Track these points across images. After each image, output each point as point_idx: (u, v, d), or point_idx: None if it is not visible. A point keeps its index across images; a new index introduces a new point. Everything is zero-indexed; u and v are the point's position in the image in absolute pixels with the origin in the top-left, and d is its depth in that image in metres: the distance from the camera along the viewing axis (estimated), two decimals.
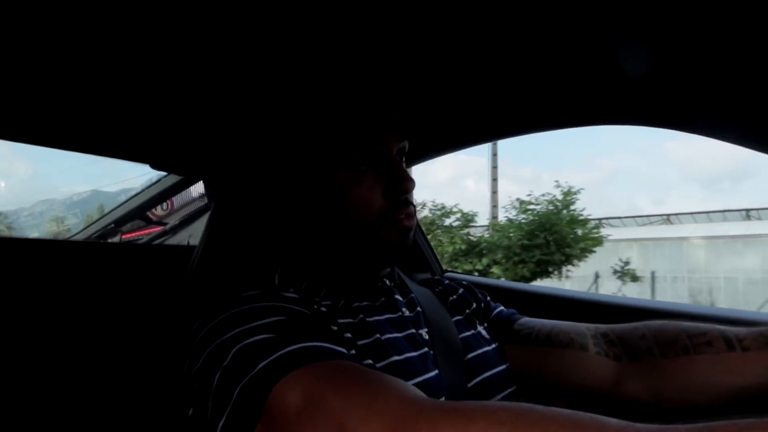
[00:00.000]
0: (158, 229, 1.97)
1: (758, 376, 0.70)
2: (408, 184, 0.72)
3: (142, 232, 2.10)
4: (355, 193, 0.71)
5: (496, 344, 0.87)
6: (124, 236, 2.14)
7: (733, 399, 0.73)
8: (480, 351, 0.81)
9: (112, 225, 2.06)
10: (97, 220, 2.15)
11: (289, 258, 0.81)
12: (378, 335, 0.69)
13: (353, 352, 0.63)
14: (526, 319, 0.91)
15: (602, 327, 0.85)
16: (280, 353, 0.53)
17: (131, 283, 1.13)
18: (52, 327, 1.01)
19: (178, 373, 0.73)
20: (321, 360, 0.53)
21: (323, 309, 0.67)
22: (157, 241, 1.93)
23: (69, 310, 1.05)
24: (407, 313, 0.79)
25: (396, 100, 0.79)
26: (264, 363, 0.52)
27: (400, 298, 0.81)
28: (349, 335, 0.66)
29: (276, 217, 0.95)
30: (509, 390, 0.80)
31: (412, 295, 0.84)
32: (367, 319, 0.71)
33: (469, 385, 0.75)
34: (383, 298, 0.78)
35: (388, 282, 0.81)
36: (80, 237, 2.17)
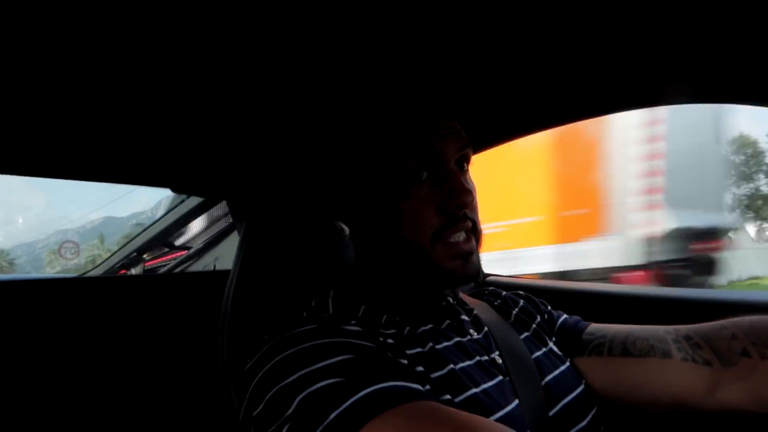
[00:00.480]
0: (182, 254, 1.93)
1: None
2: (465, 197, 0.64)
3: (165, 258, 2.06)
4: (407, 207, 0.64)
5: (569, 360, 0.78)
6: (147, 264, 2.11)
7: None
8: (557, 372, 0.73)
9: (135, 254, 2.03)
10: (118, 251, 2.12)
11: (340, 281, 0.75)
12: (452, 365, 0.62)
13: (428, 387, 0.56)
14: (594, 326, 0.83)
15: (682, 329, 0.76)
16: (353, 400, 0.47)
17: (165, 316, 1.08)
18: (94, 364, 0.97)
19: (217, 406, 0.68)
20: (399, 403, 0.47)
21: (390, 341, 0.60)
22: (181, 267, 1.89)
23: (103, 346, 1.01)
24: (475, 335, 0.71)
25: (452, 102, 0.71)
26: (336, 413, 0.46)
27: (466, 318, 0.73)
28: (421, 368, 0.59)
29: (322, 236, 0.90)
30: (592, 412, 0.72)
31: (475, 312, 0.76)
32: (437, 346, 0.64)
33: (551, 413, 0.67)
34: (448, 320, 0.71)
35: (451, 300, 0.73)
36: (103, 268, 2.14)
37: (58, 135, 0.92)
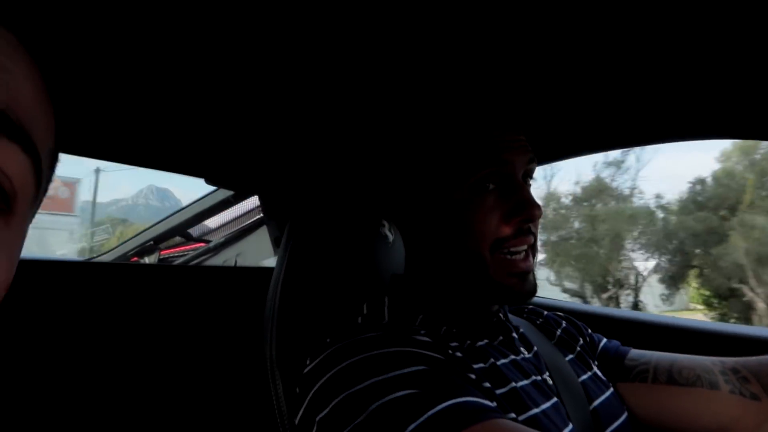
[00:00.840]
0: (199, 245, 1.90)
1: None
2: (534, 210, 0.63)
3: (181, 249, 2.03)
4: (472, 215, 0.63)
5: (612, 386, 0.76)
6: (162, 252, 2.09)
7: None
8: (603, 397, 0.71)
9: (151, 242, 2.01)
10: (133, 237, 2.09)
11: (393, 288, 0.73)
12: (513, 383, 0.60)
13: (494, 404, 0.54)
14: (636, 352, 0.81)
15: (728, 361, 0.75)
16: (430, 413, 0.45)
17: (187, 308, 1.06)
18: (103, 356, 0.95)
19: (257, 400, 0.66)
20: (476, 421, 0.45)
21: (458, 354, 0.58)
22: (198, 260, 1.86)
23: (114, 336, 0.99)
24: (526, 353, 0.70)
25: (522, 115, 0.70)
26: (414, 426, 0.44)
27: (515, 335, 0.71)
28: (487, 384, 0.57)
29: (367, 241, 0.88)
30: None
31: (522, 330, 0.74)
32: (497, 363, 0.62)
33: None
34: (501, 336, 0.69)
35: (501, 316, 0.71)
36: (116, 253, 2.11)
37: (103, 116, 0.91)
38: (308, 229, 0.85)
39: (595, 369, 0.77)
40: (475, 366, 0.59)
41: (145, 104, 0.87)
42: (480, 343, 0.65)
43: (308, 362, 0.59)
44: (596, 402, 0.70)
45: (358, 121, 0.93)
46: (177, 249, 2.10)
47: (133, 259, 2.16)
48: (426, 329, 0.61)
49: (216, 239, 1.81)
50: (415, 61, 0.73)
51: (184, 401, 1.04)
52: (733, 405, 0.70)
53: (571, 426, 0.61)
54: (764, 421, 0.69)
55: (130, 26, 0.62)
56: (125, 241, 2.10)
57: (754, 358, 0.74)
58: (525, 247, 0.65)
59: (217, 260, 1.78)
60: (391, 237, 0.91)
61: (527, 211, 0.63)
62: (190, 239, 1.98)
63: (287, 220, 1.13)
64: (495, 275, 0.64)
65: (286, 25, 0.64)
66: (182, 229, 1.88)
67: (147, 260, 2.08)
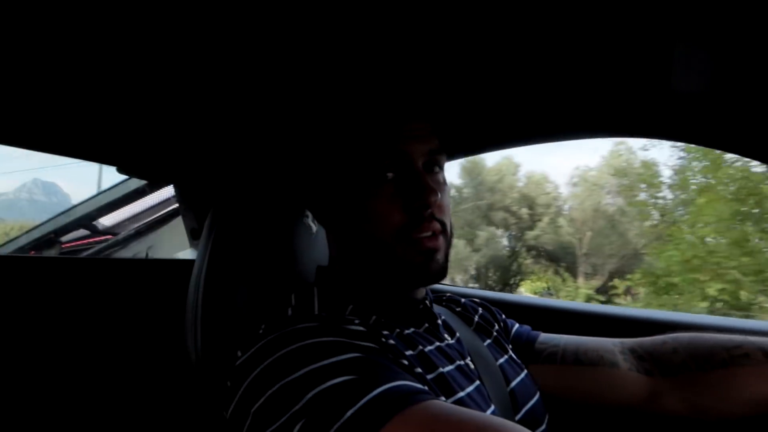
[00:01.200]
0: (106, 238, 1.81)
1: None
2: (430, 197, 0.64)
3: (85, 242, 1.92)
4: (374, 205, 0.65)
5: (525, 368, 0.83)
6: (64, 246, 1.96)
7: None
8: (519, 379, 0.77)
9: (51, 235, 1.88)
10: (31, 230, 1.94)
11: (320, 278, 0.74)
12: (441, 369, 0.63)
13: (426, 388, 0.57)
14: (545, 336, 0.88)
15: (628, 342, 0.84)
16: (367, 399, 0.46)
17: (112, 301, 1.02)
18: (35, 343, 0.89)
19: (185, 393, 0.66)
20: (415, 402, 0.47)
21: (391, 341, 0.60)
22: (105, 253, 1.77)
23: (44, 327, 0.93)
24: (450, 340, 0.74)
25: (424, 103, 0.73)
26: (352, 411, 0.46)
27: (439, 323, 0.75)
28: (419, 370, 0.60)
29: (289, 231, 0.89)
30: (547, 417, 0.77)
31: (444, 317, 0.78)
32: (425, 349, 0.66)
33: (516, 418, 0.71)
34: (427, 324, 0.73)
35: (428, 303, 0.75)
36: (11, 247, 1.96)
37: (11, 101, 0.85)
38: (231, 220, 0.84)
39: (510, 352, 0.82)
40: (407, 353, 0.62)
41: (53, 85, 0.83)
42: (408, 331, 0.68)
43: (240, 354, 0.59)
44: (513, 383, 0.75)
45: (274, 110, 0.93)
46: (81, 242, 1.98)
47: (31, 253, 2.01)
48: (358, 319, 0.63)
49: (125, 231, 1.73)
50: (321, 55, 0.76)
51: (97, 400, 1.00)
52: (630, 381, 0.79)
53: (493, 407, 0.66)
54: (658, 394, 0.78)
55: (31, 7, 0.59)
56: (22, 234, 1.95)
57: (648, 338, 0.83)
58: (430, 233, 0.66)
59: (126, 253, 1.70)
60: (314, 227, 0.92)
61: (423, 197, 0.64)
62: (95, 232, 1.87)
63: (206, 211, 1.11)
64: (403, 256, 0.65)
65: (199, 12, 0.64)
66: (87, 221, 1.78)
67: (45, 254, 1.95)
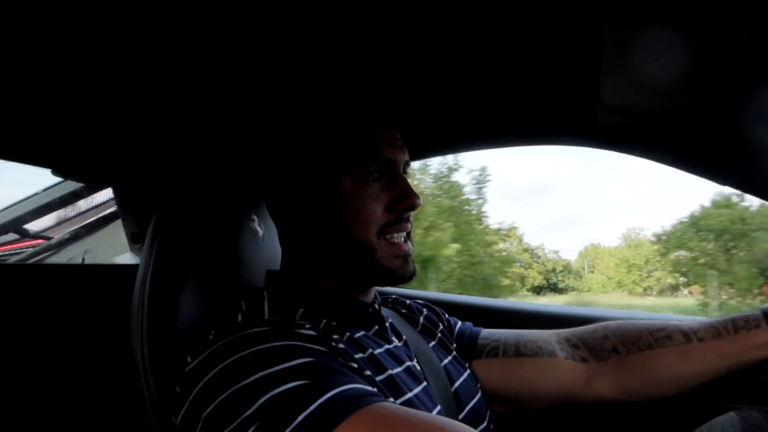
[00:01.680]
0: (38, 242, 1.71)
1: (714, 363, 0.79)
2: (415, 200, 0.70)
3: (15, 246, 1.81)
4: (360, 203, 0.69)
5: (468, 365, 0.86)
6: None
7: (693, 386, 0.81)
8: (462, 379, 0.80)
9: None
10: None
11: (275, 282, 0.74)
12: (390, 371, 0.66)
13: (375, 390, 0.59)
14: (487, 332, 0.92)
15: (563, 332, 0.89)
16: (320, 402, 0.48)
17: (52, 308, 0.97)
18: None
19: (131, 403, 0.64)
20: (365, 405, 0.49)
21: (341, 345, 0.62)
22: (37, 258, 1.68)
23: None
24: (397, 342, 0.76)
25: (397, 110, 0.76)
26: (304, 415, 0.47)
27: (388, 325, 0.77)
28: (368, 372, 0.62)
29: (236, 236, 0.88)
30: (488, 415, 0.80)
31: (391, 320, 0.80)
32: (374, 352, 0.68)
33: (460, 417, 0.74)
34: (376, 327, 0.74)
35: (377, 307, 0.77)
36: None
37: None
38: (176, 224, 0.83)
39: (454, 352, 0.86)
40: (356, 356, 0.63)
41: None
42: (357, 334, 0.70)
43: (189, 360, 0.59)
44: (456, 383, 0.78)
45: (229, 113, 0.92)
46: (8, 246, 1.86)
47: None
48: (308, 322, 0.64)
49: (59, 236, 1.65)
50: (304, 60, 0.77)
51: (38, 415, 0.95)
52: (568, 369, 0.84)
53: (438, 407, 0.68)
54: (592, 379, 0.84)
55: None
56: None
57: (581, 328, 0.90)
58: (404, 233, 0.72)
59: (60, 258, 1.62)
60: (261, 232, 0.91)
61: (409, 200, 0.70)
62: (26, 236, 1.77)
63: (147, 215, 1.08)
64: (382, 259, 0.70)
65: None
66: (17, 225, 1.68)
67: None
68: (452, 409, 0.73)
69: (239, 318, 0.68)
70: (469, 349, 0.89)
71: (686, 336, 0.81)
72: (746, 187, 0.87)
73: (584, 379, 0.84)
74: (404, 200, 0.70)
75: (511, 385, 0.86)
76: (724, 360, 0.79)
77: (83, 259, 1.56)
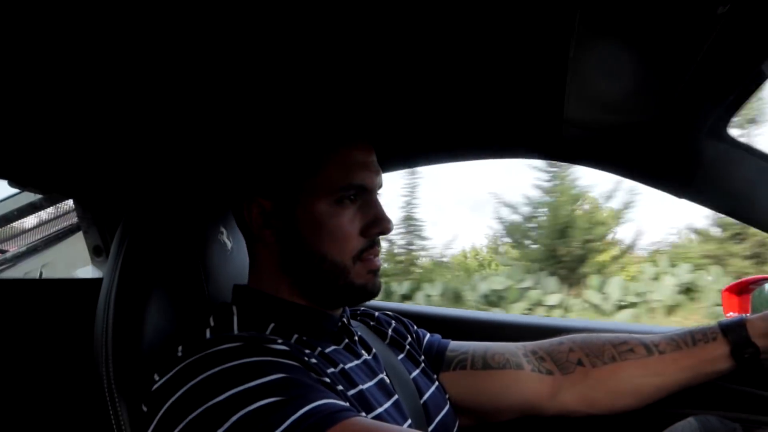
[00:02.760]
0: None
1: (675, 375, 0.81)
2: (388, 225, 0.71)
3: None
4: (335, 226, 0.69)
5: (436, 377, 0.86)
6: None
7: (656, 399, 0.83)
8: (430, 391, 0.80)
9: None
10: None
11: (244, 297, 0.73)
12: (360, 386, 0.66)
13: (348, 405, 0.59)
14: (455, 344, 0.93)
15: (529, 345, 0.91)
16: (293, 418, 0.48)
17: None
18: None
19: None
20: (337, 421, 0.49)
21: (313, 360, 0.61)
22: None
23: None
24: (367, 356, 0.75)
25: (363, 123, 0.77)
26: (279, 430, 0.47)
27: (357, 339, 0.77)
28: (340, 387, 0.61)
29: (202, 248, 0.86)
30: (456, 426, 0.81)
31: (360, 333, 0.80)
32: (345, 367, 0.67)
33: (429, 429, 0.74)
34: (346, 340, 0.74)
35: (345, 321, 0.77)
36: None
37: None
38: (141, 237, 0.81)
39: (423, 364, 0.86)
40: (328, 371, 0.63)
41: None
42: (328, 349, 0.69)
43: (157, 378, 0.57)
44: (425, 396, 0.78)
45: (199, 123, 0.91)
46: None
47: None
48: (279, 337, 0.63)
49: (15, 249, 1.59)
50: (278, 76, 0.77)
51: None
52: (534, 381, 0.86)
53: (409, 421, 0.69)
54: (557, 392, 0.86)
55: None
56: None
57: (546, 341, 0.91)
58: (377, 255, 0.73)
59: (15, 272, 1.56)
60: (229, 245, 0.90)
61: (382, 225, 0.71)
62: None
63: (110, 227, 1.05)
64: (354, 278, 0.70)
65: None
66: None
67: None
68: (422, 422, 0.73)
69: (208, 334, 0.67)
70: (438, 361, 0.89)
71: (648, 349, 0.83)
72: (701, 200, 0.91)
73: (550, 391, 0.85)
74: (378, 225, 0.71)
75: (479, 397, 0.86)
76: (684, 372, 0.81)
77: (41, 273, 1.50)
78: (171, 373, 0.55)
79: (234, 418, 0.48)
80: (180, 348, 0.62)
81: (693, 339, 0.82)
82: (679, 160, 0.88)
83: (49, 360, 0.98)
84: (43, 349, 0.98)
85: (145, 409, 0.57)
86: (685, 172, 0.88)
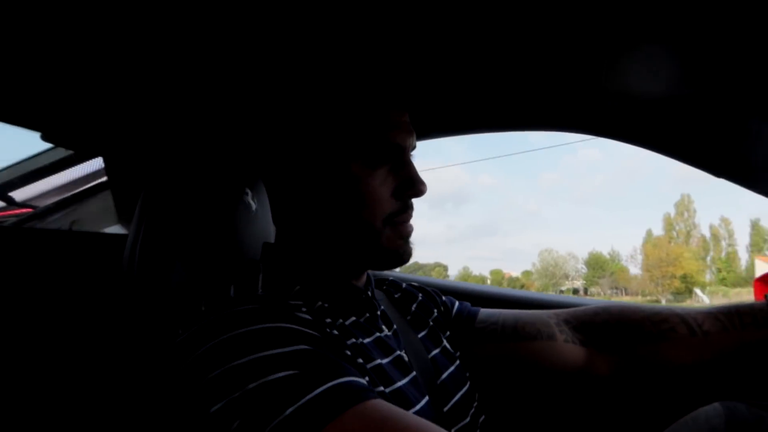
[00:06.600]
0: (23, 211, 1.68)
1: (717, 354, 0.79)
2: (421, 187, 0.69)
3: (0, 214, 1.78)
4: (367, 188, 0.67)
5: (459, 356, 0.84)
6: None
7: (696, 374, 0.82)
8: (448, 372, 0.79)
9: None
10: None
11: (271, 256, 0.73)
12: (379, 360, 0.65)
13: (367, 378, 0.58)
14: (485, 312, 0.91)
15: (562, 313, 0.89)
16: (310, 396, 0.47)
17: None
18: None
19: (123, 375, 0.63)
20: (356, 403, 0.48)
21: (335, 332, 0.61)
22: (25, 226, 1.65)
23: None
24: (386, 331, 0.74)
25: (406, 93, 0.75)
26: (293, 408, 0.46)
27: (379, 313, 0.76)
28: (360, 360, 0.60)
29: (229, 209, 0.86)
30: (473, 407, 0.79)
31: (382, 307, 0.78)
32: (364, 341, 0.66)
33: (444, 409, 0.73)
34: (368, 314, 0.73)
35: (370, 293, 0.75)
36: None
37: None
38: (166, 196, 0.81)
39: (445, 342, 0.84)
40: (348, 342, 0.62)
41: None
42: (348, 321, 0.68)
43: (180, 332, 0.58)
44: (444, 375, 0.77)
45: (231, 87, 0.90)
46: None
47: None
48: (303, 302, 0.62)
49: (45, 204, 1.62)
50: (317, 39, 0.75)
51: (22, 379, 0.93)
52: (567, 352, 0.84)
53: (426, 399, 0.67)
54: (591, 362, 0.84)
55: None
56: None
57: (580, 309, 0.89)
58: (409, 216, 0.71)
59: (46, 227, 1.60)
60: (254, 206, 0.90)
61: (416, 187, 0.69)
62: (12, 203, 1.74)
63: (137, 186, 1.06)
64: (386, 242, 0.68)
65: None
66: (3, 192, 1.65)
67: None
68: (438, 402, 0.72)
69: (231, 291, 0.66)
70: (467, 330, 0.87)
71: (690, 328, 0.80)
72: (741, 180, 0.86)
73: (583, 363, 0.83)
74: (411, 187, 0.69)
75: (508, 366, 0.85)
76: (728, 352, 0.78)
77: (71, 227, 1.53)
78: (193, 330, 0.55)
79: (252, 385, 0.47)
80: (203, 304, 0.61)
81: (741, 321, 0.79)
82: (721, 137, 0.84)
83: (76, 306, 1.00)
84: (67, 298, 1.00)
85: (167, 361, 0.58)
86: (726, 150, 0.84)
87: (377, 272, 1.37)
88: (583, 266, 44.69)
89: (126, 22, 0.74)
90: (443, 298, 0.93)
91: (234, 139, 1.02)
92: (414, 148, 0.74)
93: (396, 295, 0.88)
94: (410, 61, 0.85)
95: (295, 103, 0.71)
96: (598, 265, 42.28)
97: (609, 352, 0.83)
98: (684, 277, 37.18)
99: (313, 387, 0.47)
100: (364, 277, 0.76)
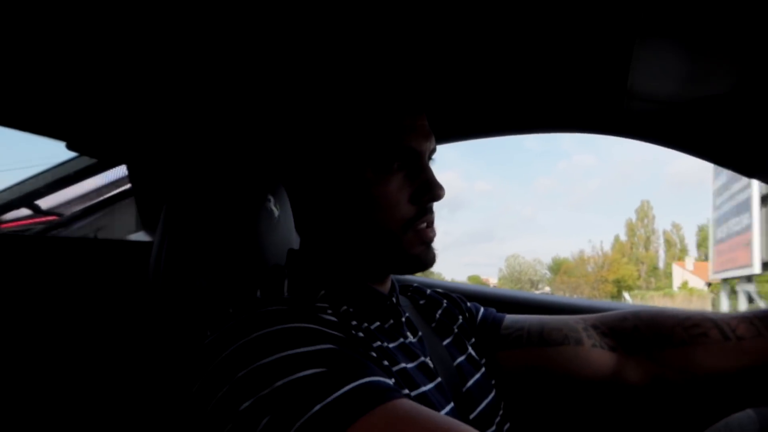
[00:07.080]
0: (49, 219, 1.71)
1: (752, 360, 0.76)
2: (439, 191, 0.68)
3: (27, 222, 1.81)
4: (383, 193, 0.66)
5: (484, 363, 0.84)
6: (2, 226, 1.84)
7: (728, 379, 0.78)
8: (474, 379, 0.78)
9: None
10: None
11: (296, 262, 0.73)
12: (403, 365, 0.64)
13: (393, 380, 0.57)
14: (510, 318, 0.90)
15: (590, 318, 0.87)
16: (337, 394, 0.46)
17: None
18: None
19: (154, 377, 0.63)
20: (383, 401, 0.47)
21: (360, 334, 0.60)
22: (50, 234, 1.68)
23: None
24: (411, 338, 0.74)
25: (423, 96, 0.74)
26: (320, 406, 0.45)
27: (404, 320, 0.75)
28: (386, 363, 0.60)
29: (252, 216, 0.87)
30: (499, 415, 0.78)
31: (407, 314, 0.78)
32: (389, 345, 0.66)
33: (471, 417, 0.72)
34: (392, 320, 0.73)
35: (394, 300, 0.75)
36: None
37: None
38: (190, 203, 0.82)
39: (470, 350, 0.83)
40: (374, 345, 0.62)
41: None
42: (373, 326, 0.68)
43: (208, 333, 0.58)
44: (469, 383, 0.76)
45: (251, 94, 0.91)
46: (20, 223, 1.86)
47: None
48: (329, 305, 0.62)
49: (71, 212, 1.65)
50: (332, 42, 0.75)
51: (45, 383, 0.95)
52: (595, 357, 0.82)
53: (452, 405, 0.67)
54: (622, 368, 0.81)
55: None
56: None
57: (608, 314, 0.87)
58: (429, 220, 0.70)
59: (71, 235, 1.63)
60: (276, 212, 0.90)
61: (433, 192, 0.67)
62: (38, 212, 1.77)
63: (161, 194, 1.07)
64: (407, 247, 0.68)
65: None
66: (30, 200, 1.68)
67: None
68: (463, 410, 0.72)
69: (258, 293, 0.67)
70: (492, 337, 0.86)
71: (724, 334, 0.77)
72: None
73: (612, 369, 0.81)
74: (428, 191, 0.67)
75: (535, 373, 0.83)
76: (764, 357, 0.75)
77: (95, 236, 1.55)
78: (222, 331, 0.56)
79: (278, 383, 0.47)
80: (230, 307, 0.62)
81: None
82: (755, 137, 0.81)
83: (101, 314, 1.01)
84: (94, 305, 1.02)
85: (194, 363, 0.58)
86: (760, 150, 0.82)
87: (400, 277, 1.36)
88: (547, 271, 45.28)
89: (149, 33, 0.75)
90: (468, 304, 0.92)
91: (255, 145, 1.03)
92: (434, 151, 0.73)
93: (421, 302, 0.87)
94: (420, 62, 0.85)
95: (310, 111, 0.71)
96: (561, 270, 42.42)
97: (639, 357, 0.80)
98: (617, 281, 38.11)
99: (340, 385, 0.47)
100: (389, 283, 0.75)
